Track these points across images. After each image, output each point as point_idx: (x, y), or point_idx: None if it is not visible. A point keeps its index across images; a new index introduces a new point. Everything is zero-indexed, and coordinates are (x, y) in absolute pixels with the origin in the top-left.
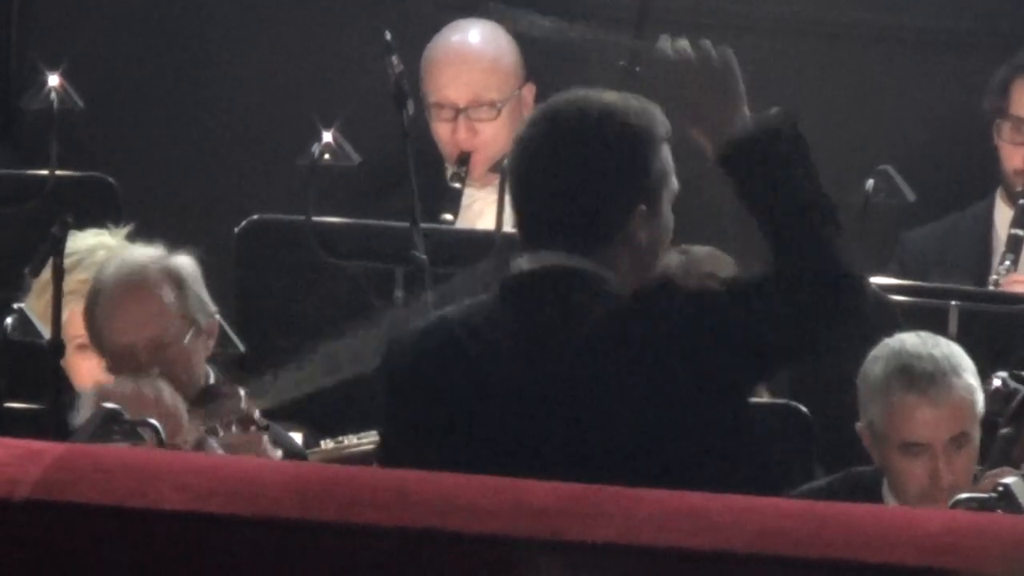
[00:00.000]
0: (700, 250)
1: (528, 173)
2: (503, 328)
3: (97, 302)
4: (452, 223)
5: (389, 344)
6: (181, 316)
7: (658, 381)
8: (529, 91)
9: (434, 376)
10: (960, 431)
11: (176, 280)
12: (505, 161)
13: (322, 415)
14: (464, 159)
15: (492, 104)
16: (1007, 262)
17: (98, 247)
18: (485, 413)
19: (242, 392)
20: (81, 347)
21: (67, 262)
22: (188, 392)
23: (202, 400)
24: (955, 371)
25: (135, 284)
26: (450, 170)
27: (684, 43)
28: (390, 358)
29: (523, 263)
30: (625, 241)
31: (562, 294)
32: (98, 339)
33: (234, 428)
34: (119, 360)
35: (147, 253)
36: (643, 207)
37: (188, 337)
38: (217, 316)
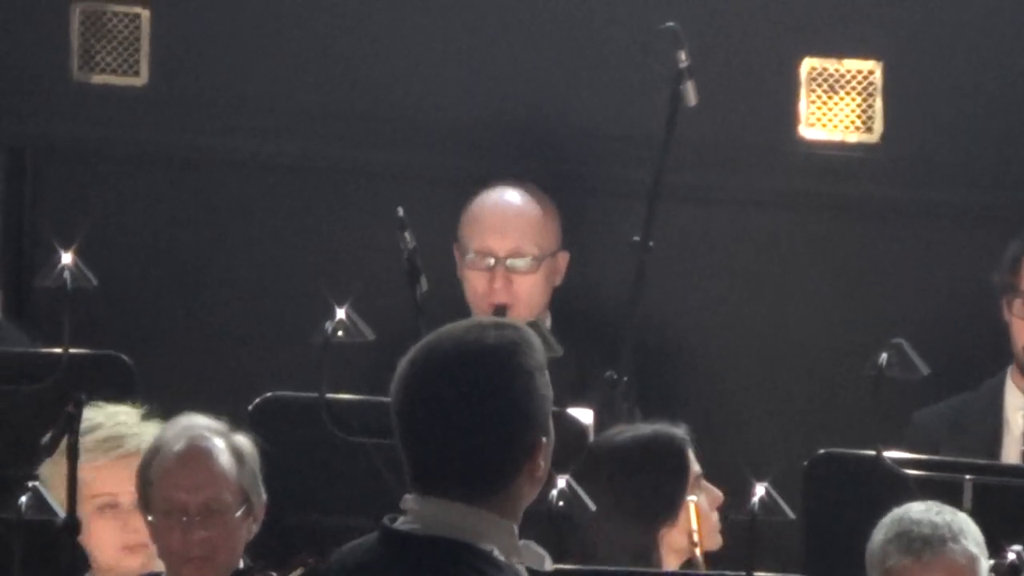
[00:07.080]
0: None
1: (416, 418)
2: None
3: (156, 459)
4: None
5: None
6: (237, 489)
7: None
8: (563, 258)
9: None
10: None
11: (238, 454)
12: None
13: None
14: (501, 311)
15: (531, 257)
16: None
17: (119, 413)
18: None
19: None
20: (102, 509)
21: (85, 425)
22: (221, 570)
23: None
24: (954, 538)
25: (200, 447)
26: None
27: None
28: None
29: (411, 513)
30: (527, 477)
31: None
32: (149, 494)
33: None
34: (167, 517)
35: (212, 423)
36: (544, 439)
37: (239, 512)
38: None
